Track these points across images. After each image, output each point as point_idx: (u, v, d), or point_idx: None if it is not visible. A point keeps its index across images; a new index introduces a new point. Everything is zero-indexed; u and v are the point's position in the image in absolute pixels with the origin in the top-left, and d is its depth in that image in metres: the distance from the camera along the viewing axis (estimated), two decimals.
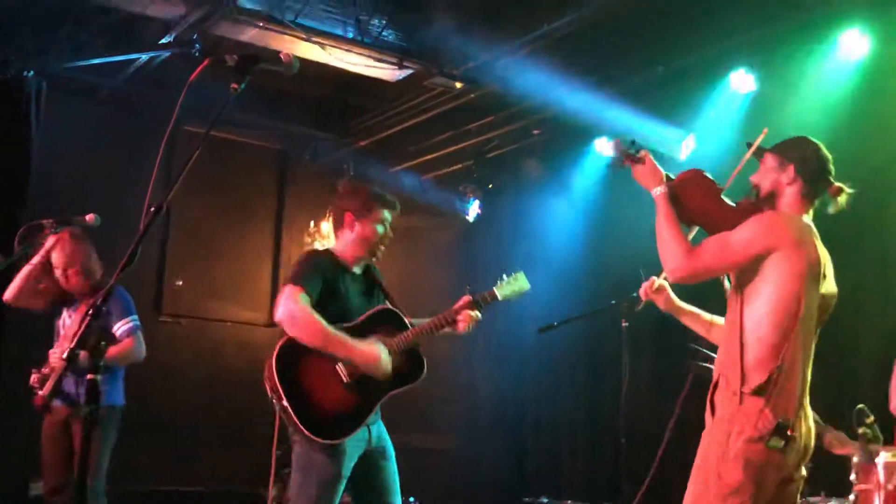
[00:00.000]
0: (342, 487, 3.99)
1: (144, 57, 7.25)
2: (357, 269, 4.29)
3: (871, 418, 4.08)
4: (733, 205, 3.39)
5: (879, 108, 5.76)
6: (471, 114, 7.91)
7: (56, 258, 5.28)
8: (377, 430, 4.18)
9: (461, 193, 8.57)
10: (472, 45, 6.77)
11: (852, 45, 5.82)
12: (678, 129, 6.83)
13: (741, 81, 6.45)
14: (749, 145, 3.48)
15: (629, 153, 3.54)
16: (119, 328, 5.40)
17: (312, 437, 3.88)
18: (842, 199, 3.37)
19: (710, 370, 4.31)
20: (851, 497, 4.02)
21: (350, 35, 6.77)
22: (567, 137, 7.82)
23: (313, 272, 4.07)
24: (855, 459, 4.02)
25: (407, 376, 4.14)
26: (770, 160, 3.40)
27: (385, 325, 4.17)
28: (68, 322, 5.39)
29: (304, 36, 6.56)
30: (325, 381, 3.97)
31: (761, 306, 3.13)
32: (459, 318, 4.22)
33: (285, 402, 3.91)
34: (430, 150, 8.60)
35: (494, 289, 4.31)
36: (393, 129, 8.38)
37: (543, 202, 8.17)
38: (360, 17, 6.73)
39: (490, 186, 8.51)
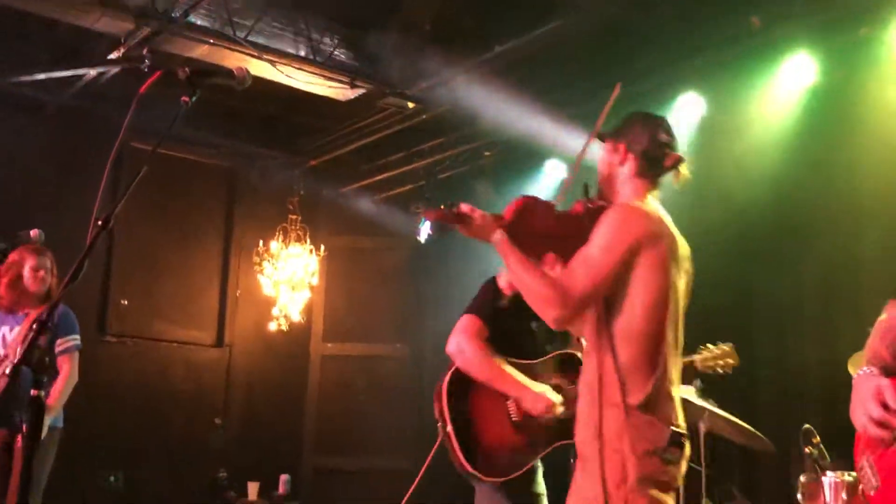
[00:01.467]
0: None
1: (93, 72, 7.14)
2: None
3: (818, 438, 4.11)
4: (571, 214, 3.09)
5: (826, 131, 5.86)
6: (422, 134, 7.91)
7: (35, 260, 5.19)
8: (539, 485, 3.96)
9: (412, 214, 8.54)
10: (425, 66, 6.78)
11: (799, 69, 5.92)
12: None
13: (691, 105, 6.53)
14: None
15: (450, 214, 3.18)
16: (59, 345, 5.29)
17: (469, 468, 3.70)
18: (683, 169, 3.14)
19: None
20: None
21: (302, 54, 6.73)
22: (518, 159, 7.85)
23: (496, 303, 3.86)
24: (802, 479, 4.04)
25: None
26: (607, 145, 3.15)
27: (567, 370, 3.92)
28: (9, 337, 5.26)
29: (255, 53, 6.51)
30: (494, 416, 3.77)
31: (631, 311, 2.86)
32: None
33: (449, 429, 3.75)
34: (382, 170, 8.58)
35: (695, 356, 4.06)
36: (344, 149, 8.35)
37: None
38: (312, 35, 6.71)
39: (441, 207, 8.48)
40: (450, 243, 8.66)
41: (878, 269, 4.92)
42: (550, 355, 3.95)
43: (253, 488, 7.99)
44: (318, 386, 8.98)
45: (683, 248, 3.07)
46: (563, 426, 3.77)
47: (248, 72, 2.69)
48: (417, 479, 4.08)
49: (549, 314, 2.86)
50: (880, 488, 2.16)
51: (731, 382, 5.58)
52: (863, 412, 2.10)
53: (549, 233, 3.05)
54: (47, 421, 5.19)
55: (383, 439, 8.24)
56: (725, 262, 6.25)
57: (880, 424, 2.07)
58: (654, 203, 3.05)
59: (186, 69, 2.59)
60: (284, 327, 8.64)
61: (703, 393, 4.48)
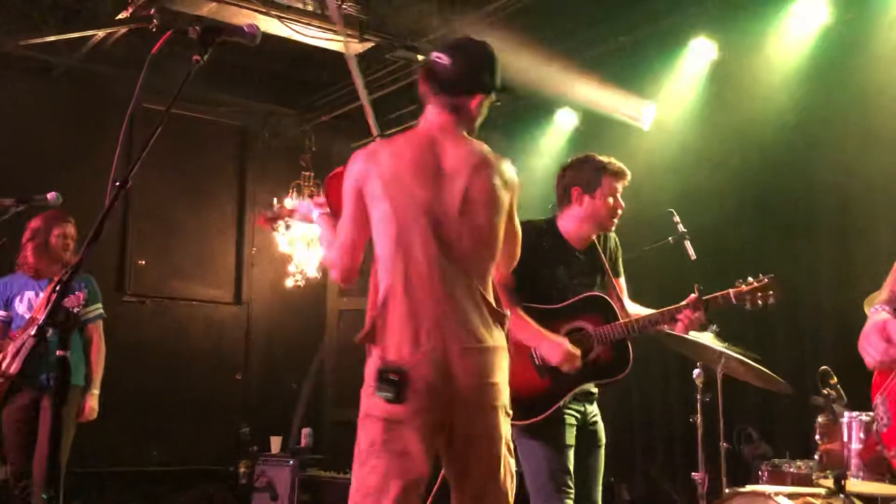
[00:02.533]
0: (569, 453, 3.82)
1: (101, 34, 7.13)
2: (580, 248, 4.04)
3: (835, 379, 4.13)
4: None
5: (838, 73, 5.81)
6: None
7: (63, 227, 5.28)
8: (593, 411, 3.99)
9: None
10: (432, 17, 6.73)
11: (810, 10, 5.86)
12: (640, 99, 6.85)
13: (702, 50, 6.48)
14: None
15: (273, 216, 3.68)
16: (87, 314, 5.40)
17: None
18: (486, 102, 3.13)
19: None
20: (816, 457, 4.08)
21: (309, 8, 6.70)
22: (529, 109, 7.81)
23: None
24: (820, 420, 4.07)
25: (606, 370, 3.89)
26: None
27: (592, 312, 3.92)
28: (35, 301, 5.33)
29: (262, 9, 6.49)
30: (519, 361, 3.73)
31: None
32: (680, 316, 3.86)
33: None
34: (393, 123, 8.55)
35: (731, 290, 3.92)
36: (355, 104, 8.30)
37: None
38: None
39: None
40: None
41: (894, 209, 4.91)
42: (574, 299, 3.95)
43: (276, 442, 8.09)
44: (336, 340, 9.05)
45: (448, 156, 2.99)
46: (589, 368, 3.84)
47: (258, 29, 2.70)
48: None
49: (333, 277, 3.25)
50: (891, 426, 2.20)
51: (747, 325, 5.62)
52: (868, 346, 2.21)
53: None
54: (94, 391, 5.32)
55: None
56: (740, 205, 6.25)
57: (883, 358, 2.18)
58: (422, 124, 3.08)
59: (198, 28, 2.59)
60: (301, 283, 8.69)
61: (720, 336, 4.50)
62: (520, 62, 6.61)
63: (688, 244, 4.53)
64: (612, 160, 4.04)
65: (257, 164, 8.99)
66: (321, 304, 9.07)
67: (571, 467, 3.81)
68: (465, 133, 3.09)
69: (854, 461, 4.03)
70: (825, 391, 3.99)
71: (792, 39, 6.01)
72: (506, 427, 2.91)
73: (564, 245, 4.02)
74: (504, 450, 2.89)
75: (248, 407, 8.54)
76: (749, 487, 4.21)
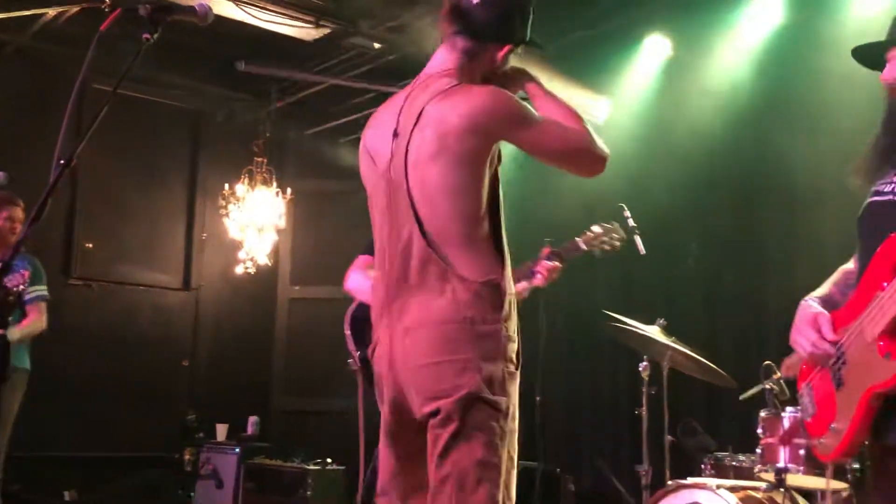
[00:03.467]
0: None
1: (52, 12, 7.00)
2: None
3: (778, 374, 4.20)
4: None
5: (791, 72, 5.89)
6: (390, 75, 7.84)
7: (11, 211, 5.19)
8: None
9: None
10: (391, 6, 6.71)
11: (765, 9, 5.93)
12: (595, 94, 6.87)
13: (657, 46, 6.53)
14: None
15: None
16: (29, 294, 5.29)
17: None
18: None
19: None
20: (758, 451, 4.14)
21: None
22: None
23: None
24: (762, 414, 4.13)
25: None
26: None
27: None
28: None
29: None
30: None
31: None
32: (537, 269, 4.10)
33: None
34: (349, 111, 8.52)
35: (578, 239, 4.14)
36: (310, 90, 8.27)
37: None
38: None
39: None
40: None
41: (840, 207, 4.98)
42: None
43: (222, 430, 8.03)
44: (286, 328, 9.01)
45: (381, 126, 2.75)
46: None
47: (210, 9, 2.67)
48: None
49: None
50: (815, 414, 2.26)
51: (693, 319, 5.69)
52: (799, 337, 2.29)
53: None
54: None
55: (351, 380, 8.29)
56: (691, 202, 6.32)
57: (813, 350, 2.25)
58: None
59: (148, 6, 2.56)
60: (251, 270, 8.62)
61: (666, 330, 4.55)
62: None
63: (637, 239, 4.58)
64: None
65: (210, 149, 8.89)
66: (271, 292, 9.02)
67: None
68: (455, 78, 2.69)
69: (772, 441, 4.11)
70: (767, 385, 4.06)
71: (745, 38, 6.09)
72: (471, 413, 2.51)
73: None
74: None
75: (195, 394, 8.47)
76: (692, 480, 4.26)
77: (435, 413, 2.47)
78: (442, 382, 2.47)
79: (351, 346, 4.00)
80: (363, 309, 4.05)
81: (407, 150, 2.60)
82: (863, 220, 2.31)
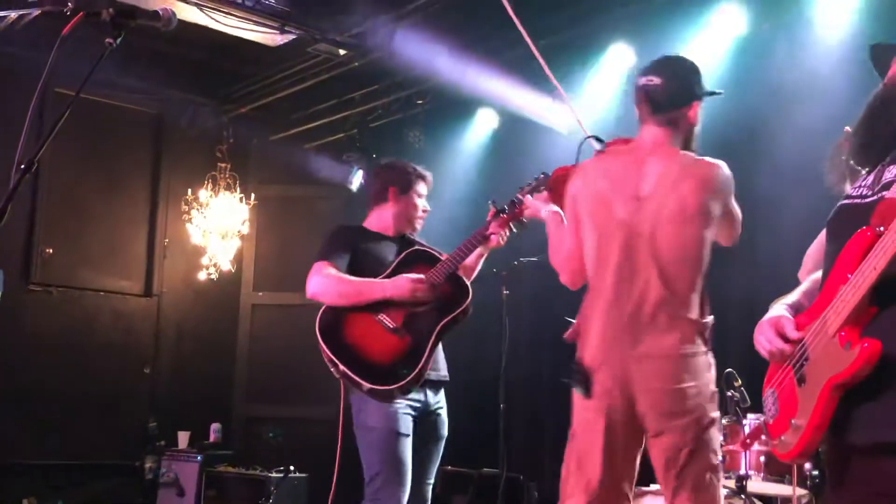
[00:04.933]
0: (407, 445, 3.97)
1: (13, 15, 6.91)
2: (393, 235, 4.35)
3: (739, 381, 4.25)
4: None
5: (755, 82, 5.96)
6: (354, 82, 7.85)
7: None
8: (437, 401, 4.18)
9: (344, 163, 8.49)
10: (356, 12, 6.71)
11: (728, 19, 5.99)
12: (560, 103, 6.91)
13: (620, 55, 6.58)
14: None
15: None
16: None
17: (381, 387, 3.91)
18: None
19: None
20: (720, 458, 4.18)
21: None
22: (450, 108, 7.83)
23: (340, 244, 4.18)
24: (724, 421, 4.18)
25: (453, 303, 4.12)
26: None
27: (417, 264, 4.18)
28: None
29: None
30: (373, 335, 3.99)
31: None
32: (490, 231, 4.16)
33: (342, 368, 3.92)
34: (313, 117, 8.50)
35: (518, 193, 4.15)
36: (274, 96, 8.24)
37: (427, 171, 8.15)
38: None
39: (374, 156, 8.46)
40: None
41: (799, 214, 5.05)
42: (395, 260, 4.19)
43: (183, 437, 7.97)
44: (249, 335, 8.95)
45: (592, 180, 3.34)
46: (436, 309, 4.06)
47: (173, 13, 2.66)
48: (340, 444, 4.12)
49: (562, 279, 3.42)
50: (778, 415, 2.29)
51: None
52: (760, 336, 2.32)
53: None
54: None
55: (314, 387, 8.26)
56: None
57: (774, 350, 2.29)
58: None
59: (110, 10, 2.55)
60: (214, 276, 8.58)
61: None
62: (443, 60, 6.63)
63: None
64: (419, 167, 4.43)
65: (173, 154, 8.82)
66: (234, 299, 8.96)
67: (409, 458, 3.96)
68: (677, 147, 3.33)
69: (732, 448, 4.16)
70: (729, 392, 4.10)
71: (708, 47, 6.14)
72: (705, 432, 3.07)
73: (378, 235, 4.32)
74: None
75: (156, 401, 8.39)
76: (654, 486, 4.29)
77: (673, 428, 3.04)
78: (679, 404, 3.04)
79: (328, 353, 3.97)
80: (334, 312, 4.05)
81: (654, 213, 3.15)
82: (832, 223, 2.33)
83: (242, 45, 7.31)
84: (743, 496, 4.01)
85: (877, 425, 2.04)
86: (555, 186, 3.68)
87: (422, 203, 4.39)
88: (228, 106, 8.67)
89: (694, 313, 3.12)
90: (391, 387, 3.91)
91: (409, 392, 3.97)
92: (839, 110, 5.02)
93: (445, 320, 4.08)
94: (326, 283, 4.03)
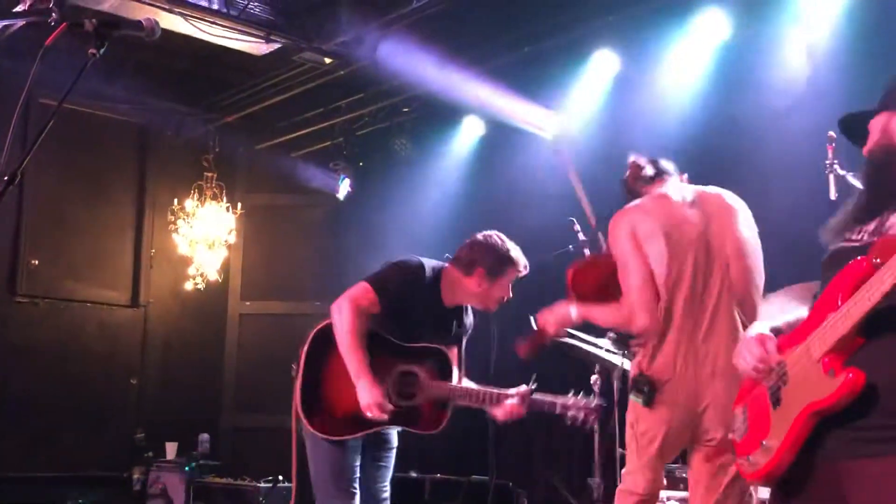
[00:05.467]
0: (356, 454, 3.97)
1: None
2: (448, 304, 4.14)
3: None
4: (604, 252, 3.87)
5: (738, 87, 5.98)
6: (340, 90, 7.84)
7: None
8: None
9: (331, 171, 8.49)
10: (342, 20, 6.71)
11: (711, 25, 6.02)
12: (545, 109, 6.94)
13: (605, 62, 6.60)
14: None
15: (537, 339, 3.94)
16: None
17: (305, 420, 3.89)
18: None
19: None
20: None
21: (215, 6, 6.60)
22: (436, 116, 7.84)
23: (396, 287, 3.95)
24: None
25: (421, 422, 4.01)
26: None
27: (431, 364, 4.02)
28: None
29: (166, 6, 6.36)
30: (344, 379, 3.88)
31: None
32: (506, 403, 3.98)
33: (298, 380, 3.92)
34: (299, 126, 8.49)
35: (558, 401, 4.03)
36: (260, 105, 8.23)
37: (414, 179, 8.18)
38: None
39: (361, 164, 8.46)
40: (368, 200, 8.67)
41: (784, 221, 5.06)
42: (421, 345, 4.02)
43: (171, 448, 7.93)
44: (237, 344, 8.92)
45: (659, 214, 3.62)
46: (404, 412, 3.93)
47: (156, 23, 2.65)
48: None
49: (635, 329, 3.51)
50: (747, 433, 2.28)
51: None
52: (746, 352, 2.33)
53: (605, 278, 3.62)
54: None
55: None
56: None
57: (757, 364, 2.30)
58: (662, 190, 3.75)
59: (94, 21, 2.54)
60: (201, 286, 8.55)
61: (618, 343, 4.58)
62: (429, 68, 6.64)
63: (587, 253, 4.61)
64: (519, 253, 4.16)
65: (158, 164, 8.80)
66: (222, 308, 8.93)
67: (357, 467, 3.95)
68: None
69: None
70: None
71: (692, 53, 6.17)
72: None
73: (437, 294, 4.09)
74: None
75: (143, 412, 8.35)
76: None
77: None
78: None
79: (300, 360, 3.96)
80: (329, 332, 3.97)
81: (721, 244, 3.52)
82: (826, 264, 2.34)
83: (227, 54, 7.30)
84: None
85: (852, 446, 2.06)
86: (574, 283, 3.79)
87: (505, 290, 4.14)
88: (214, 115, 8.65)
89: None
90: (331, 437, 3.91)
91: None
92: (822, 114, 5.08)
93: (403, 425, 4.03)
94: (344, 319, 3.85)
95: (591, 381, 4.71)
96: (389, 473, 4.18)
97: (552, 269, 5.06)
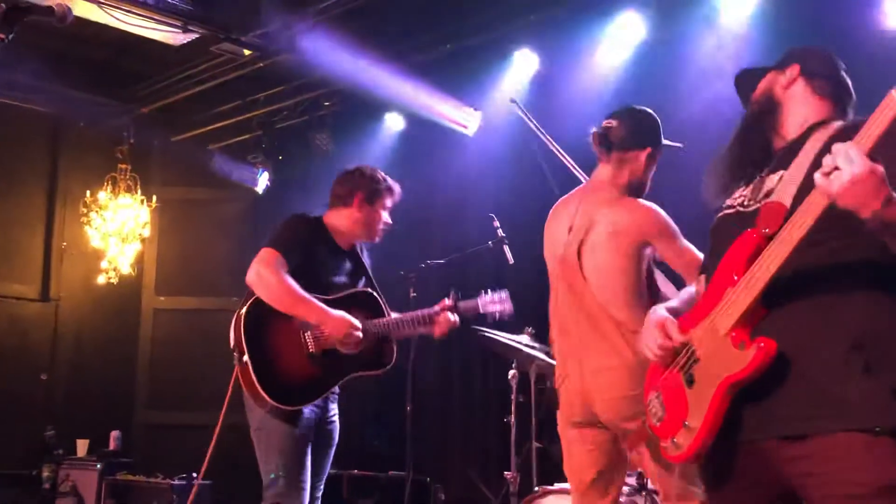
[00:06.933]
0: (308, 448, 3.94)
1: None
2: (345, 248, 4.21)
3: None
4: None
5: (656, 88, 6.08)
6: (259, 83, 7.76)
7: None
8: (332, 410, 4.13)
9: (249, 164, 8.39)
10: (262, 12, 6.63)
11: (629, 26, 6.12)
12: (466, 106, 6.96)
13: (526, 61, 6.66)
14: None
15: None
16: None
17: (268, 398, 3.82)
18: None
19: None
20: None
21: None
22: (358, 110, 7.81)
23: (295, 240, 3.98)
24: None
25: (372, 363, 4.09)
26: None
27: (363, 307, 4.09)
28: None
29: None
30: (290, 348, 3.91)
31: None
32: (439, 319, 4.14)
33: (246, 358, 3.83)
34: (217, 118, 8.37)
35: (479, 301, 4.22)
36: (177, 96, 8.09)
37: (334, 175, 8.10)
38: None
39: (280, 158, 8.38)
40: (287, 194, 8.60)
41: (699, 219, 5.17)
42: (347, 292, 4.11)
43: (82, 445, 7.77)
44: (150, 340, 8.77)
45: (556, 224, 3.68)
46: (356, 358, 4.00)
47: (69, 9, 2.58)
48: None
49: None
50: (665, 417, 2.33)
51: None
52: (648, 339, 2.39)
53: None
54: None
55: (218, 393, 8.12)
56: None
57: (659, 351, 2.36)
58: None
59: (2, 5, 2.47)
60: (114, 280, 8.39)
61: (536, 338, 4.63)
62: (350, 62, 6.61)
63: (506, 249, 4.66)
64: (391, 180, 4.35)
65: (71, 155, 8.60)
66: (135, 303, 8.76)
67: (309, 461, 3.96)
68: (616, 188, 3.59)
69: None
70: None
71: (611, 54, 6.26)
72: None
73: (331, 239, 4.18)
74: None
75: (54, 408, 8.15)
76: (558, 485, 4.34)
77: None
78: (629, 410, 3.29)
79: (243, 347, 3.89)
80: (265, 308, 3.92)
81: (578, 247, 3.50)
82: (714, 232, 2.42)
83: (144, 44, 7.16)
84: (644, 492, 4.09)
85: (774, 421, 2.12)
86: None
87: (385, 216, 4.28)
88: (129, 106, 8.47)
89: (635, 325, 3.32)
90: (298, 406, 3.91)
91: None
92: (738, 109, 5.21)
93: (358, 374, 4.07)
94: (272, 282, 3.85)
95: (509, 377, 4.74)
96: (327, 472, 4.19)
97: (472, 265, 5.11)
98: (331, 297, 4.02)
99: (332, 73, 6.95)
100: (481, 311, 4.23)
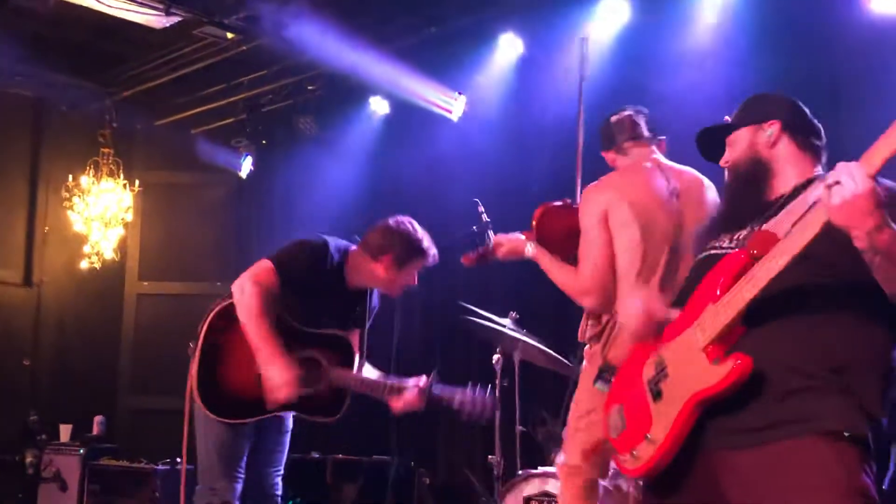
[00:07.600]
0: (245, 441, 3.88)
1: None
2: (353, 288, 4.04)
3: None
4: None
5: (639, 72, 6.09)
6: (243, 66, 7.71)
7: None
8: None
9: (233, 149, 8.35)
10: None
11: (613, 8, 6.11)
12: (450, 90, 6.95)
13: (511, 45, 6.65)
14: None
15: (484, 255, 3.86)
16: None
17: (200, 402, 3.77)
18: None
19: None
20: None
21: None
22: (343, 94, 7.78)
23: (296, 266, 3.83)
24: None
25: (320, 409, 3.94)
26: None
27: (332, 351, 3.94)
28: None
29: None
30: (243, 362, 3.78)
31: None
32: (406, 395, 3.87)
33: (197, 353, 3.80)
34: (200, 102, 8.32)
35: (456, 395, 3.94)
36: (160, 80, 8.03)
37: (318, 159, 8.11)
38: None
39: (264, 142, 8.34)
40: (271, 179, 8.57)
41: None
42: (323, 331, 3.96)
43: (65, 430, 7.74)
44: (134, 325, 8.74)
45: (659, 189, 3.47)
46: (305, 398, 3.82)
47: None
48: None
49: (583, 302, 3.42)
50: (625, 430, 2.33)
51: (545, 313, 5.81)
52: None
53: (573, 231, 3.47)
54: None
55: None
56: (545, 196, 6.44)
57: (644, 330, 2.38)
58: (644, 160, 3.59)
59: None
60: (97, 265, 8.35)
61: (519, 323, 4.64)
62: (334, 46, 6.58)
63: (491, 234, 4.64)
64: (430, 243, 4.08)
65: (53, 139, 8.53)
66: (118, 288, 8.72)
67: (244, 451, 3.89)
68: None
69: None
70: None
71: (595, 36, 6.25)
72: None
73: (341, 276, 4.00)
74: None
75: (37, 394, 8.12)
76: (542, 469, 4.36)
77: None
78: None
79: (199, 340, 3.86)
80: (233, 319, 3.84)
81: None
82: (697, 267, 2.42)
83: (126, 26, 7.09)
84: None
85: (738, 432, 2.12)
86: (540, 223, 3.67)
87: (411, 277, 4.06)
88: (112, 89, 8.41)
89: None
90: (226, 420, 3.83)
91: None
92: (721, 88, 5.25)
93: (299, 412, 3.96)
94: (248, 298, 3.72)
95: (493, 361, 4.75)
96: (283, 458, 4.11)
97: (457, 251, 5.09)
98: (305, 329, 3.92)
99: (316, 56, 6.92)
100: (455, 406, 3.96)
